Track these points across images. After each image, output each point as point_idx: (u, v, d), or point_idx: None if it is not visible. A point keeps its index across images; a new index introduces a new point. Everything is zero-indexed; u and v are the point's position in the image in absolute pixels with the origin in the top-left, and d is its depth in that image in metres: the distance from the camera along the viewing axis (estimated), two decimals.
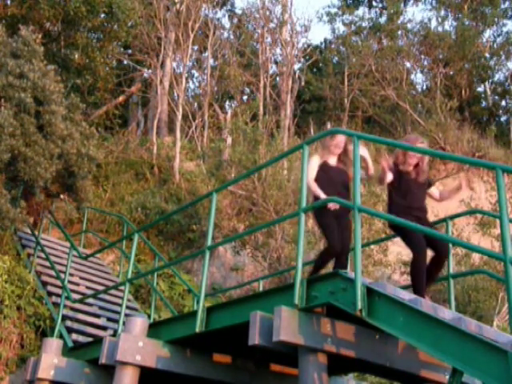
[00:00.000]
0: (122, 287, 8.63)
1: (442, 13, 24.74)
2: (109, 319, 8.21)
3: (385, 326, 3.80)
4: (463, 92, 23.35)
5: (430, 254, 4.77)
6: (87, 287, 9.11)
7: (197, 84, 25.98)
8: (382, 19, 25.62)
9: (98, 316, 8.24)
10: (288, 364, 5.90)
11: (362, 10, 26.96)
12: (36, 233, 9.95)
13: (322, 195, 5.07)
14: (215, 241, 12.09)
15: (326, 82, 22.84)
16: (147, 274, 7.46)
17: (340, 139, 5.39)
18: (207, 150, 18.03)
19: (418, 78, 33.17)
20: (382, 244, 12.91)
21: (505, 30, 24.80)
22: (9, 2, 14.52)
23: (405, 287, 6.62)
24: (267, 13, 22.23)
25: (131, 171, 17.04)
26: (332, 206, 4.93)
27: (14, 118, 8.07)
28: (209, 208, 6.06)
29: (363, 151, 5.06)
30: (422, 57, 23.80)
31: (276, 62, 23.83)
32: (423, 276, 4.60)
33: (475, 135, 19.51)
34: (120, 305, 7.60)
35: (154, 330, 5.67)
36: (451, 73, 23.04)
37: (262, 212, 12.95)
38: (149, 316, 8.18)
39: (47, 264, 9.15)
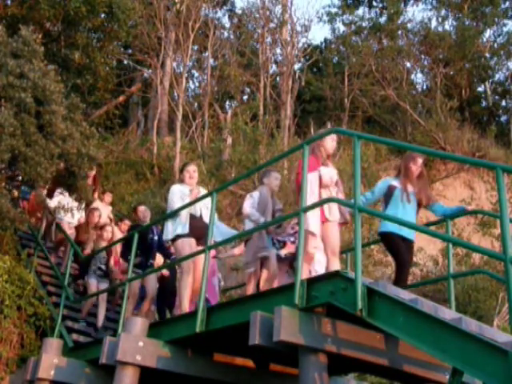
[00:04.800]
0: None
1: (443, 13, 24.73)
2: (109, 319, 8.20)
3: (385, 326, 3.80)
4: (463, 92, 23.34)
5: None
6: None
7: (197, 84, 26.00)
8: (382, 19, 25.59)
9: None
10: (288, 364, 5.90)
11: (362, 10, 26.96)
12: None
13: None
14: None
15: (326, 82, 22.84)
16: (147, 274, 7.45)
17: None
18: (207, 150, 18.04)
19: (418, 78, 33.06)
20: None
21: (505, 29, 24.63)
22: (9, 2, 14.52)
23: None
24: (267, 13, 22.22)
25: (131, 171, 17.04)
26: None
27: (14, 117, 8.05)
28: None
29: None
30: (422, 57, 23.79)
31: (276, 62, 23.82)
32: None
33: (475, 135, 19.50)
34: (120, 305, 7.59)
35: (154, 329, 5.66)
36: (451, 73, 23.02)
37: None
38: None
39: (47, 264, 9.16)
